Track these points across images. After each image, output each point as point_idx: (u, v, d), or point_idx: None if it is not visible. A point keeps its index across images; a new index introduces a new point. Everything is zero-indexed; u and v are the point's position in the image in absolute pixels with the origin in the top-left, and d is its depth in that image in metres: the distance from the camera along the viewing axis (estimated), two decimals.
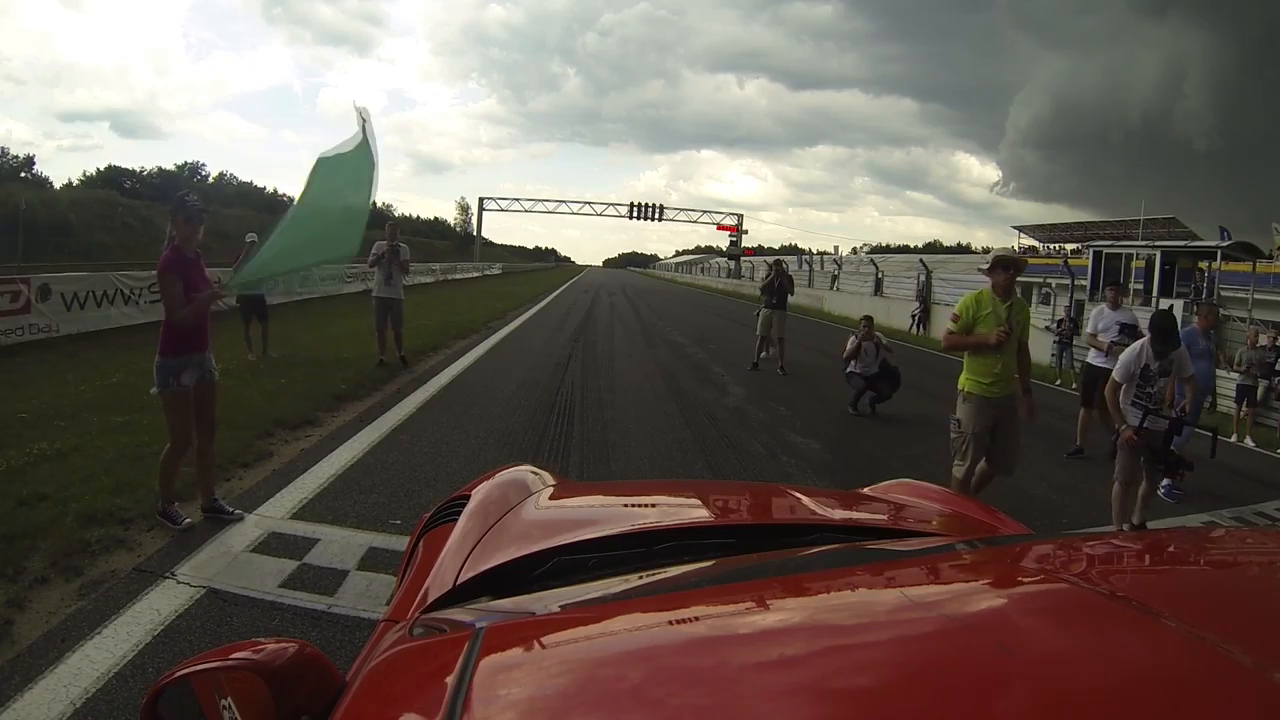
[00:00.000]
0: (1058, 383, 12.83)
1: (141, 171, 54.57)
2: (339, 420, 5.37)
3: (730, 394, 7.64)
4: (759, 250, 55.51)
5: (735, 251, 51.23)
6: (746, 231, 52.55)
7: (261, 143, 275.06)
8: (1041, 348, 16.16)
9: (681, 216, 55.45)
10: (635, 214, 53.83)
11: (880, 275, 25.10)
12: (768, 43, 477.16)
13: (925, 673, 0.49)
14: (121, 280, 11.16)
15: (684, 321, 17.64)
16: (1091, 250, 17.50)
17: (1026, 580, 0.71)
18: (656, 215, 53.52)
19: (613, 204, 55.16)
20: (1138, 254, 16.56)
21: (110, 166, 54.52)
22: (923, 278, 21.33)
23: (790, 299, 9.55)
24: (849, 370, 7.21)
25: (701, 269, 61.73)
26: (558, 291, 29.34)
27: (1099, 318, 6.33)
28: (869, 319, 7.67)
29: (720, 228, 52.90)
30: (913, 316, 20.44)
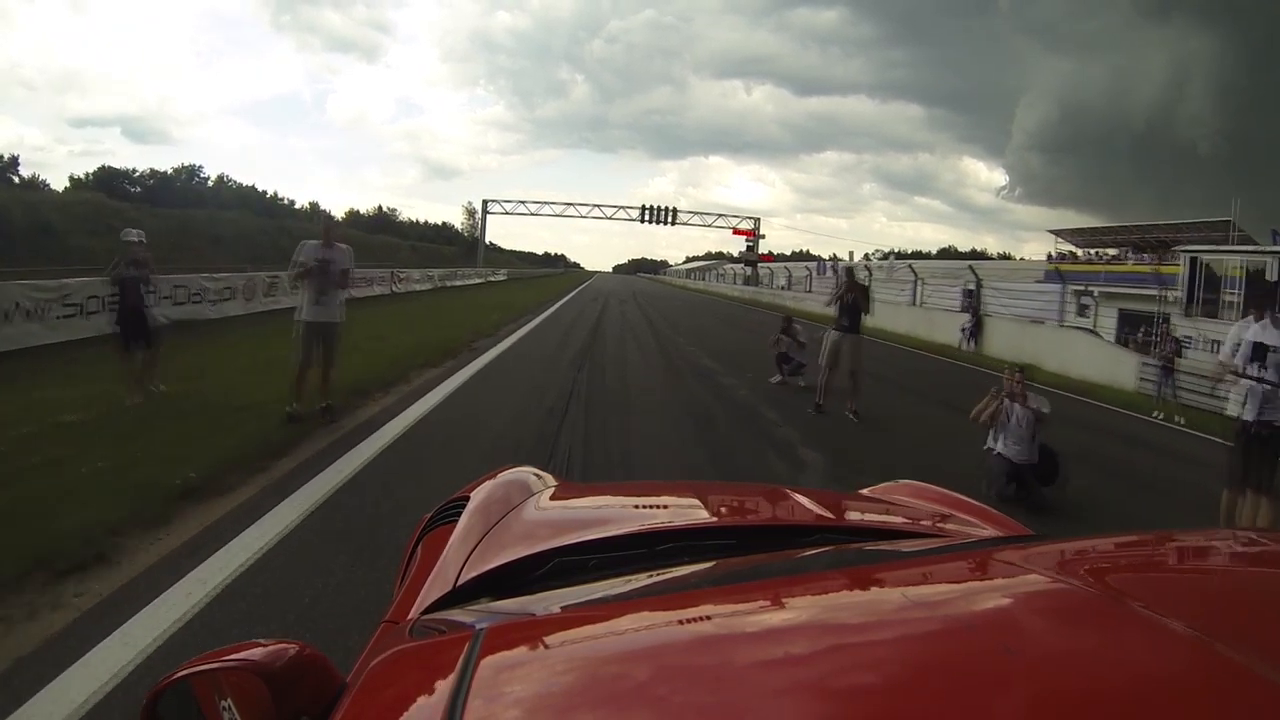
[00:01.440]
0: (1158, 415, 10.53)
1: (134, 173, 52.98)
2: (162, 546, 3.09)
3: (799, 461, 5.30)
4: (771, 257, 53.34)
5: (751, 257, 49.02)
6: (764, 236, 50.39)
7: (270, 148, 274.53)
8: (1123, 368, 13.76)
9: (695, 220, 53.24)
10: (647, 218, 51.43)
11: (919, 283, 22.76)
12: (774, 49, 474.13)
13: (928, 673, 0.49)
14: (25, 293, 9.06)
15: (708, 337, 15.35)
16: (1185, 256, 15.15)
17: (1029, 581, 0.67)
18: (669, 219, 51.23)
19: (623, 206, 53.07)
20: (1243, 261, 14.20)
21: (102, 168, 53.02)
22: (971, 286, 19.06)
23: (865, 317, 7.24)
24: (990, 447, 4.90)
25: (717, 275, 59.37)
26: (564, 300, 27.12)
27: (1241, 338, 4.02)
28: (1021, 370, 5.14)
29: (736, 232, 50.60)
30: (963, 331, 18.03)
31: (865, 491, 1.63)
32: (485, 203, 54.37)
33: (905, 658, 0.52)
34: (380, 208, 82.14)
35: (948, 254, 67.47)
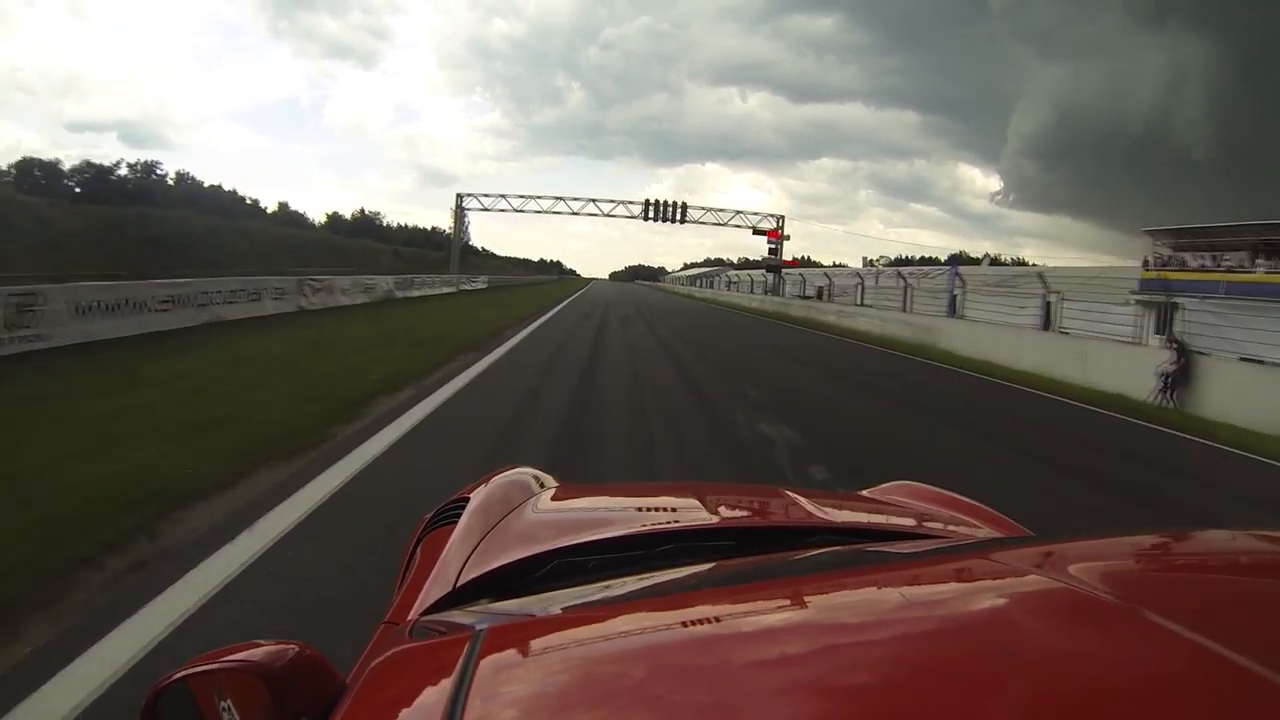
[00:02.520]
0: None
1: (58, 164, 46.07)
2: None
3: None
4: (797, 262, 46.32)
5: (774, 262, 41.83)
6: (788, 238, 43.15)
7: (270, 154, 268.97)
8: None
9: (708, 218, 45.70)
10: (651, 215, 44.05)
11: (1052, 299, 16.21)
12: (769, 56, 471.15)
13: (926, 673, 0.49)
14: None
15: (786, 387, 8.62)
16: None
17: (1027, 581, 0.67)
18: (677, 216, 43.93)
19: (623, 202, 45.19)
20: None
21: (25, 159, 46.18)
22: (1165, 304, 12.67)
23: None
24: None
25: (726, 282, 52.62)
26: (547, 316, 20.60)
27: None
28: None
29: (757, 232, 43.45)
30: (1163, 377, 11.50)
31: (865, 492, 1.63)
32: (460, 198, 46.10)
33: (904, 658, 0.52)
34: (363, 210, 75.67)
35: (959, 259, 62.42)
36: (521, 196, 44.51)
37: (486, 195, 44.79)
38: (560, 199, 44.57)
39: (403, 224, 77.17)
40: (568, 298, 35.59)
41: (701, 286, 66.18)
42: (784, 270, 41.21)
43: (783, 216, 43.97)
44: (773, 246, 42.01)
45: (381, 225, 75.66)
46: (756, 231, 42.49)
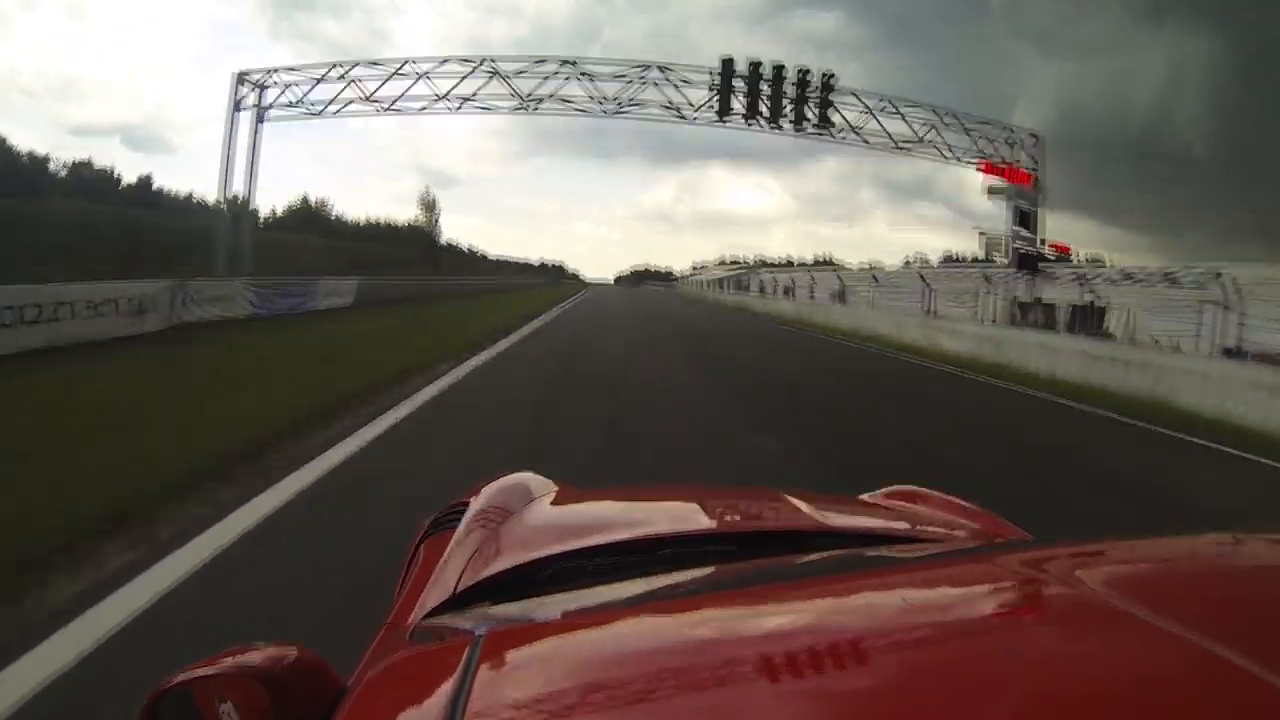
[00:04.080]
0: None
1: None
2: None
3: None
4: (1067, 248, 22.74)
5: (1029, 241, 17.05)
6: (1043, 195, 18.46)
7: (267, 155, 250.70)
8: None
9: (877, 139, 19.94)
10: (744, 107, 17.99)
11: None
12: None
13: (928, 677, 0.49)
14: None
15: None
16: None
17: (1028, 585, 0.67)
18: (809, 116, 18.24)
19: (661, 64, 18.02)
20: None
21: None
22: None
23: None
24: None
25: (836, 295, 28.81)
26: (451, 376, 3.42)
27: None
28: None
29: (989, 170, 18.94)
30: None
31: (865, 497, 1.61)
32: (240, 80, 18.82)
33: (905, 662, 0.51)
34: (305, 199, 56.25)
35: (962, 261, 43.56)
36: (374, 62, 19.24)
37: (290, 69, 19.61)
38: (495, 65, 18.93)
39: (373, 219, 62.01)
40: (555, 306, 14.97)
41: (758, 296, 44.47)
42: (1040, 264, 16.75)
43: (1040, 137, 19.28)
44: (1025, 206, 17.44)
45: (329, 218, 57.04)
46: (989, 169, 18.14)
